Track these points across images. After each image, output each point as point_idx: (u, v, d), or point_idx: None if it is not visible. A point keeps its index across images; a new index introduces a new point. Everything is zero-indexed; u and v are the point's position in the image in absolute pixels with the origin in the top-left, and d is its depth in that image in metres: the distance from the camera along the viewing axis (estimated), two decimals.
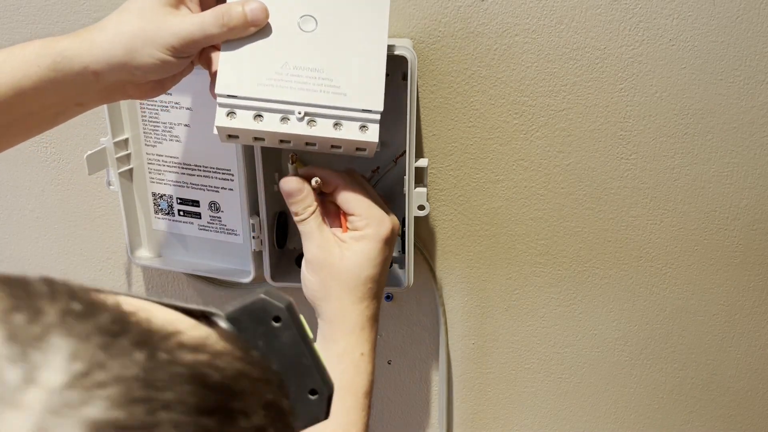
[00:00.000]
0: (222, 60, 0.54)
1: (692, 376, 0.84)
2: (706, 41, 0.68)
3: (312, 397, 0.32)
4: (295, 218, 0.59)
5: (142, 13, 0.52)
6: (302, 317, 0.33)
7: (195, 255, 0.75)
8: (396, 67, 0.66)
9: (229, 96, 0.54)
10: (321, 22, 0.55)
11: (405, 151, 0.65)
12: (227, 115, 0.54)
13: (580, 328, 0.82)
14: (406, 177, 0.65)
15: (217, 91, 0.54)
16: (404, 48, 0.61)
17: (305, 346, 0.32)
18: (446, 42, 0.69)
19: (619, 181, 0.74)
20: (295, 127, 0.55)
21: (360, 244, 0.58)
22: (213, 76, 0.55)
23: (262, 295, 0.32)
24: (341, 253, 0.58)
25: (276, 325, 0.32)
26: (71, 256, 0.83)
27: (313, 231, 0.58)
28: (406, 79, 0.62)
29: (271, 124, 0.55)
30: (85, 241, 0.82)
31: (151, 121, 0.70)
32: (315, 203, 0.59)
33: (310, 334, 0.33)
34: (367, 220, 0.59)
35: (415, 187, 0.66)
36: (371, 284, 0.59)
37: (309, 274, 0.59)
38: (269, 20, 0.54)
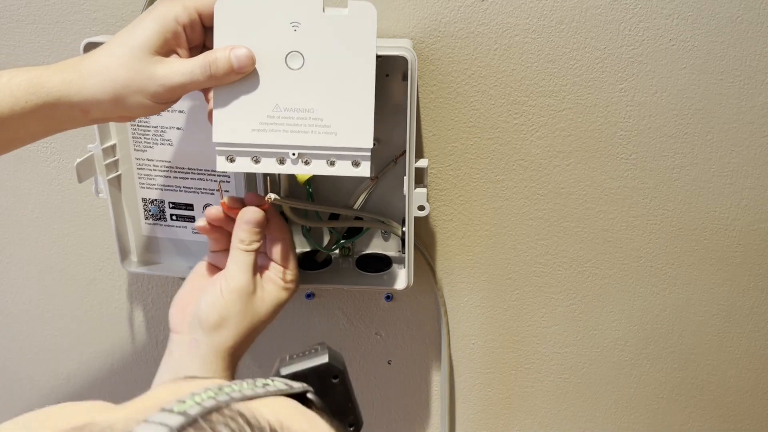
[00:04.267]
0: (215, 109, 0.56)
1: (692, 376, 0.84)
2: (706, 41, 0.68)
3: (350, 429, 0.42)
4: (240, 245, 0.60)
5: (131, 62, 0.52)
6: None
7: (191, 259, 0.75)
8: (396, 67, 0.66)
9: (226, 143, 0.57)
10: (308, 58, 0.56)
11: (405, 151, 0.65)
12: (227, 160, 0.58)
13: (580, 328, 0.82)
14: (406, 177, 0.65)
15: (214, 140, 0.57)
16: (404, 48, 0.61)
17: (352, 393, 0.42)
18: (446, 42, 0.69)
19: (619, 181, 0.74)
20: (292, 168, 0.58)
21: (279, 293, 0.62)
22: (210, 112, 0.57)
23: (328, 360, 0.42)
24: (262, 293, 0.61)
25: (334, 381, 0.42)
26: (71, 256, 0.83)
27: (251, 263, 0.60)
28: (406, 79, 0.62)
29: (268, 166, 0.58)
30: (84, 242, 0.82)
31: (140, 126, 0.69)
32: (262, 240, 0.61)
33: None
34: (294, 278, 0.64)
35: (415, 187, 0.66)
36: (261, 328, 0.62)
37: (228, 300, 0.59)
38: (258, 58, 0.55)
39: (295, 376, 0.40)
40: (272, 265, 0.63)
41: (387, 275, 0.73)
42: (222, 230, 0.63)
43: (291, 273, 0.63)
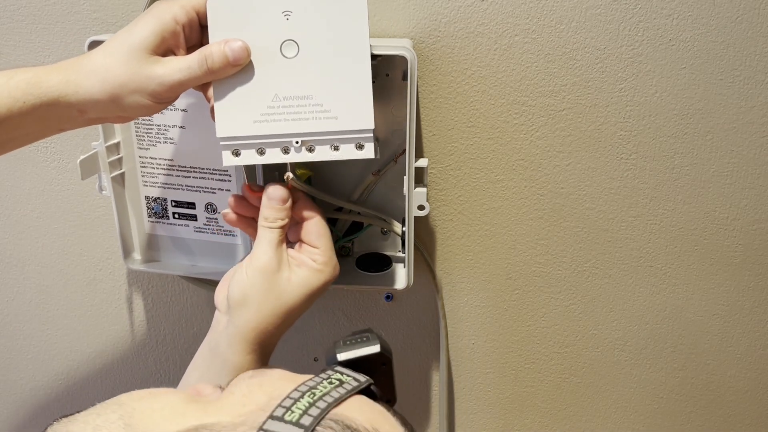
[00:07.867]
0: (216, 103, 0.56)
1: (692, 376, 0.84)
2: (706, 41, 0.68)
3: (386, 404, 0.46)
4: (264, 223, 0.59)
5: (129, 61, 0.52)
6: None
7: (191, 257, 0.75)
8: (396, 67, 0.66)
9: (230, 137, 0.57)
10: (302, 46, 0.56)
11: (405, 151, 0.65)
12: (233, 154, 0.58)
13: (580, 328, 0.82)
14: (406, 177, 0.65)
15: (218, 135, 0.57)
16: (404, 48, 0.61)
17: (393, 377, 0.47)
18: (446, 42, 0.69)
19: (619, 181, 0.74)
20: (297, 156, 0.58)
21: (310, 277, 0.59)
22: (212, 109, 0.57)
23: (380, 350, 0.47)
24: (289, 274, 0.59)
25: (383, 367, 0.47)
26: (71, 256, 0.83)
27: (275, 242, 0.59)
28: (406, 79, 0.62)
29: (273, 156, 0.58)
30: (84, 241, 0.82)
31: (144, 124, 0.70)
32: (288, 218, 0.60)
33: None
34: (327, 260, 0.60)
35: (415, 187, 0.66)
36: (292, 315, 0.60)
37: (251, 278, 0.58)
38: (254, 50, 0.55)
39: (349, 363, 0.46)
40: (304, 247, 0.61)
41: (387, 275, 0.73)
42: (255, 223, 0.61)
43: (322, 254, 0.60)
